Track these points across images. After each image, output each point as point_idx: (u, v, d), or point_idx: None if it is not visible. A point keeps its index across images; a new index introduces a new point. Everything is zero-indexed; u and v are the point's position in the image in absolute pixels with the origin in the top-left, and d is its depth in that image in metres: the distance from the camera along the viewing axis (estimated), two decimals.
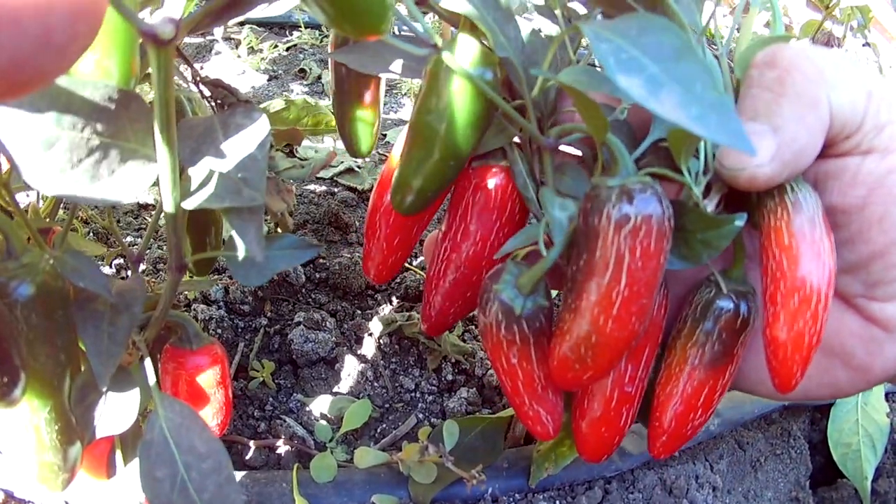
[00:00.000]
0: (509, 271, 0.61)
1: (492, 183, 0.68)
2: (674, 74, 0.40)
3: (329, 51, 0.86)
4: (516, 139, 0.68)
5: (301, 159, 0.96)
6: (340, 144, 1.85)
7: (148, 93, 1.60)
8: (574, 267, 0.55)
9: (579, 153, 0.67)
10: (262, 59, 2.48)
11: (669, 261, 0.54)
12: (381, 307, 1.46)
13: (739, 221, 0.54)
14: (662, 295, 0.65)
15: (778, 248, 0.56)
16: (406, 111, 2.23)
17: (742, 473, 1.29)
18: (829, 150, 0.56)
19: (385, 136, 2.05)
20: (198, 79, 0.92)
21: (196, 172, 0.61)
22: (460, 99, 0.60)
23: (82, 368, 0.77)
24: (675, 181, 0.58)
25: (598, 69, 0.54)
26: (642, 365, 0.66)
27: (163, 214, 0.62)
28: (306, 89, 2.26)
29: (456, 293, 0.71)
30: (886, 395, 1.45)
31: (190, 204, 0.60)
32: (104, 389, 0.72)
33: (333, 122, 1.13)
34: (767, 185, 0.54)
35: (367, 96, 1.00)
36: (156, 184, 0.59)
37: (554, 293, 0.66)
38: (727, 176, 0.55)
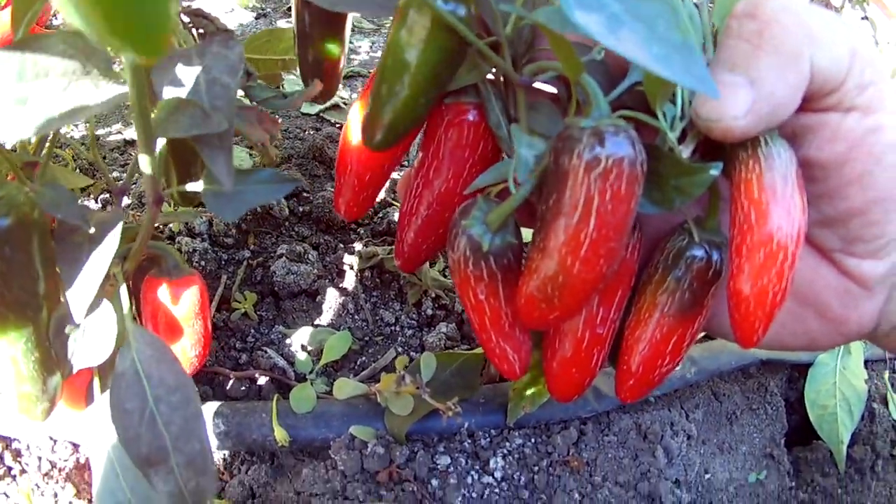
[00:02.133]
0: (479, 207, 0.61)
1: (464, 120, 0.67)
2: (636, 13, 0.38)
3: None
4: (490, 75, 0.66)
5: (285, 93, 0.95)
6: None
7: None
8: (544, 206, 0.54)
9: (555, 91, 0.66)
10: None
11: (641, 204, 0.54)
12: (363, 241, 1.47)
13: (714, 171, 0.53)
14: (636, 238, 0.65)
15: (747, 200, 0.55)
16: None
17: (717, 425, 1.30)
18: (808, 104, 0.55)
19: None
20: (178, 9, 0.91)
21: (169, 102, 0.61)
22: (432, 35, 0.58)
23: (62, 300, 0.77)
24: (651, 126, 0.57)
25: None
26: (614, 307, 0.66)
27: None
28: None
29: (428, 229, 0.71)
30: (866, 361, 1.45)
31: (159, 133, 0.60)
32: (79, 322, 0.72)
33: None
34: (743, 137, 0.54)
35: (334, 33, 0.99)
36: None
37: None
38: (702, 126, 0.55)
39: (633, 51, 0.38)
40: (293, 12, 1.00)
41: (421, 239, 0.72)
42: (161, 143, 0.73)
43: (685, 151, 0.58)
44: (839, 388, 1.40)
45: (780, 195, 0.54)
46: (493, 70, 0.66)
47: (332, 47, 1.00)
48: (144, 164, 0.64)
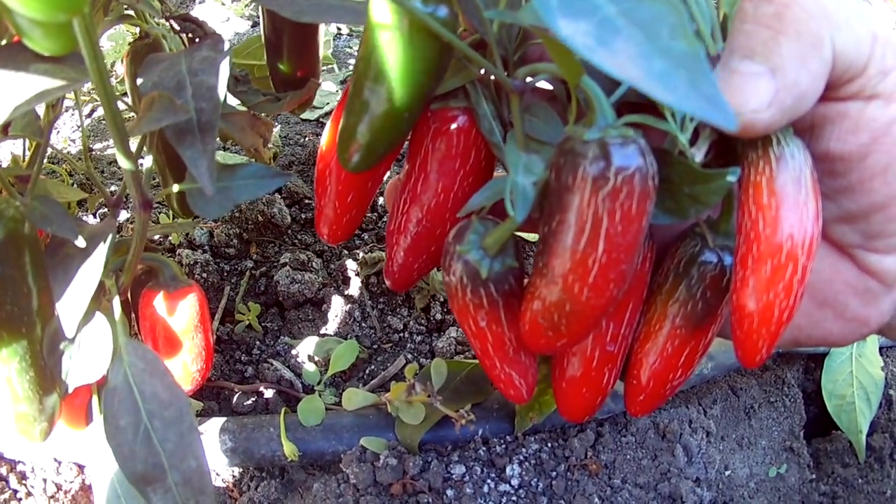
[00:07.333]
0: (474, 230, 0.56)
1: (453, 127, 0.62)
2: (634, 16, 0.33)
3: None
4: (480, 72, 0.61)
5: (278, 96, 0.93)
6: (326, 85, 1.82)
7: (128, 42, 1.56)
8: (546, 227, 0.50)
9: (550, 87, 0.61)
10: (246, 5, 2.43)
11: (654, 215, 0.50)
12: (368, 246, 1.44)
13: (731, 177, 0.49)
14: (648, 247, 0.61)
15: (755, 206, 0.50)
16: None
17: (736, 420, 1.28)
18: (828, 93, 0.51)
19: None
20: (167, 14, 0.90)
21: None
22: (410, 40, 0.53)
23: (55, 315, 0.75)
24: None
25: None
26: (625, 322, 0.63)
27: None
28: None
29: (419, 249, 0.66)
30: (881, 348, 1.43)
31: (136, 132, 0.58)
32: (72, 337, 0.70)
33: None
34: (765, 132, 0.49)
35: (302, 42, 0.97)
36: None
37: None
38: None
39: (628, 69, 0.33)
40: (261, 22, 0.98)
41: (411, 258, 0.67)
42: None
43: (698, 155, 0.53)
44: (856, 376, 1.38)
45: (792, 201, 0.49)
46: (483, 70, 0.61)
47: (303, 56, 0.98)
48: (125, 165, 0.62)
